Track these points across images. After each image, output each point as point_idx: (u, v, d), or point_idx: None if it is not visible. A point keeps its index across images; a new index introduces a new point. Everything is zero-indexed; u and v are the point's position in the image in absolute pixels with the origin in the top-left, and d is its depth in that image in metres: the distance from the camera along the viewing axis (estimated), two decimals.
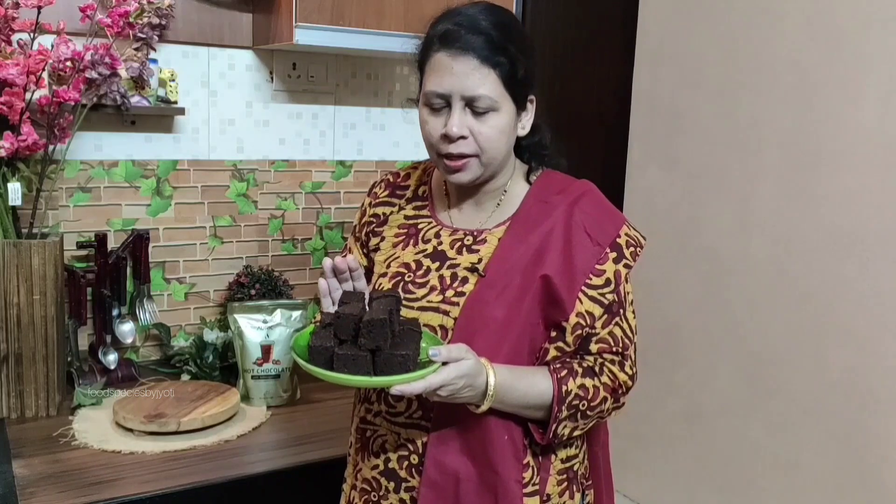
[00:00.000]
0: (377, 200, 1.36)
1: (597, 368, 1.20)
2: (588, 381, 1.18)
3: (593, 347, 1.21)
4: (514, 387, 1.14)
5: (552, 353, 1.19)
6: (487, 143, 1.18)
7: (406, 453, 1.20)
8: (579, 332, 1.19)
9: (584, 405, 1.18)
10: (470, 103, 1.16)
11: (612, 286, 1.20)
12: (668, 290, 2.56)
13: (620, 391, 1.22)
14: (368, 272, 1.34)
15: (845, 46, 2.05)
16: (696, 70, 2.47)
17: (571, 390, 1.17)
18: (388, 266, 1.27)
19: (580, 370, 1.19)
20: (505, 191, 1.27)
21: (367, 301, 1.15)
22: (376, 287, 1.26)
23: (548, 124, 1.29)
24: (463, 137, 1.16)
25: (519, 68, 1.18)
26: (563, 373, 1.17)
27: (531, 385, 1.16)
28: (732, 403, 2.38)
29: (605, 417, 1.24)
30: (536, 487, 1.20)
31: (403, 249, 1.28)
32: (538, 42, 3.05)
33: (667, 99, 2.58)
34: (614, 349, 1.22)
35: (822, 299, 2.12)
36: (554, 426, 1.17)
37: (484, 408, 1.13)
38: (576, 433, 1.21)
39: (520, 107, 1.21)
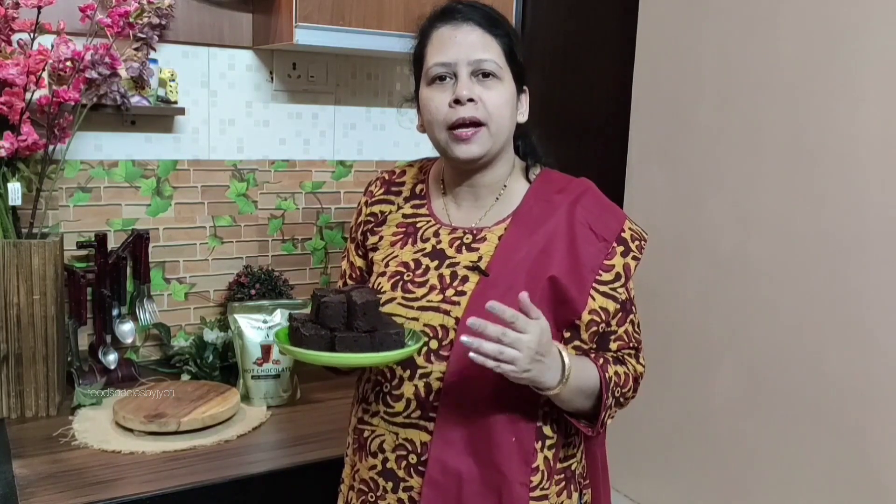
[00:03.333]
0: (373, 199, 1.35)
1: (621, 358, 1.23)
2: (619, 368, 1.21)
3: (612, 346, 1.23)
4: (578, 366, 1.13)
5: (570, 352, 1.19)
6: (495, 109, 1.18)
7: (404, 453, 1.20)
8: (594, 328, 1.19)
9: (618, 391, 1.20)
10: (476, 70, 1.18)
11: (623, 280, 1.21)
12: (668, 290, 2.56)
13: (638, 381, 1.25)
14: (366, 271, 1.34)
15: (845, 46, 2.05)
16: (696, 70, 2.47)
17: (611, 377, 1.18)
18: (387, 265, 1.27)
19: (610, 358, 1.21)
20: (505, 185, 1.27)
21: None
22: (375, 286, 1.25)
23: (534, 123, 1.31)
24: (472, 101, 1.17)
25: (516, 47, 1.22)
26: (601, 361, 1.19)
27: (586, 368, 1.16)
28: (732, 403, 2.38)
29: (625, 405, 1.26)
30: (545, 492, 1.19)
31: (402, 248, 1.27)
32: (538, 42, 3.06)
33: (667, 99, 2.58)
34: (629, 345, 1.24)
35: (822, 299, 2.12)
36: (604, 414, 1.18)
37: (558, 390, 1.09)
38: (608, 421, 1.22)
39: (518, 88, 1.24)
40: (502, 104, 1.19)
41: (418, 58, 1.25)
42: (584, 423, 1.20)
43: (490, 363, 1.02)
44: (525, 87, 1.26)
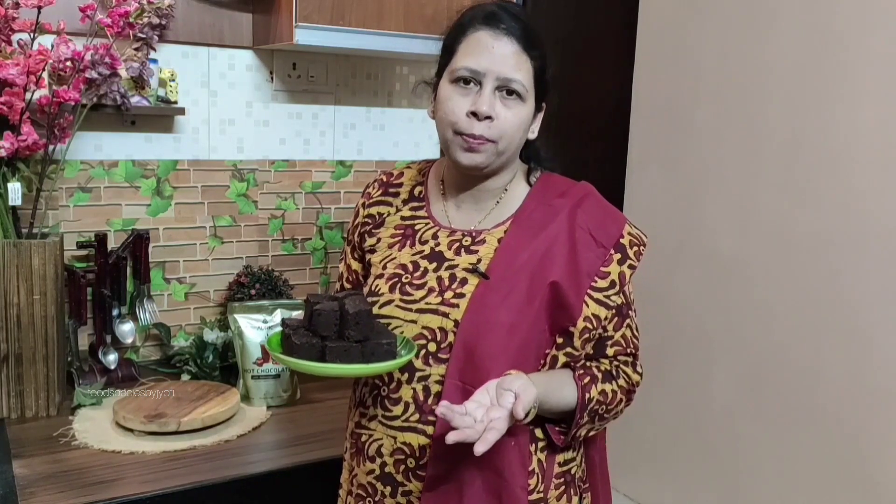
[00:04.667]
0: (371, 201, 1.35)
1: (614, 372, 1.22)
2: (608, 386, 1.20)
3: (609, 351, 1.22)
4: (548, 398, 1.14)
5: (562, 359, 1.19)
6: (510, 129, 1.17)
7: (402, 457, 1.19)
8: (587, 335, 1.19)
9: (602, 409, 1.20)
10: (502, 86, 1.16)
11: (618, 288, 1.21)
12: (668, 290, 2.56)
13: (633, 391, 1.25)
14: (362, 275, 1.34)
15: (845, 47, 2.05)
16: (696, 70, 2.47)
17: (593, 397, 1.18)
18: (385, 267, 1.26)
19: (600, 375, 1.20)
20: (505, 190, 1.26)
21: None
22: (373, 289, 1.25)
23: (543, 128, 1.30)
24: (489, 118, 1.16)
25: (548, 67, 1.21)
26: (587, 380, 1.18)
27: (562, 396, 1.17)
28: (732, 403, 2.38)
29: (616, 417, 1.25)
30: (541, 495, 1.19)
31: (400, 250, 1.27)
32: None
33: (667, 99, 2.58)
34: (627, 350, 1.24)
35: (822, 299, 2.12)
36: (574, 431, 1.19)
37: (527, 419, 1.10)
38: (590, 434, 1.23)
39: (537, 107, 1.23)
40: (518, 125, 1.18)
41: (448, 48, 1.22)
42: (561, 428, 1.20)
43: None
44: (543, 105, 1.25)
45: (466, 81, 1.17)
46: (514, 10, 1.20)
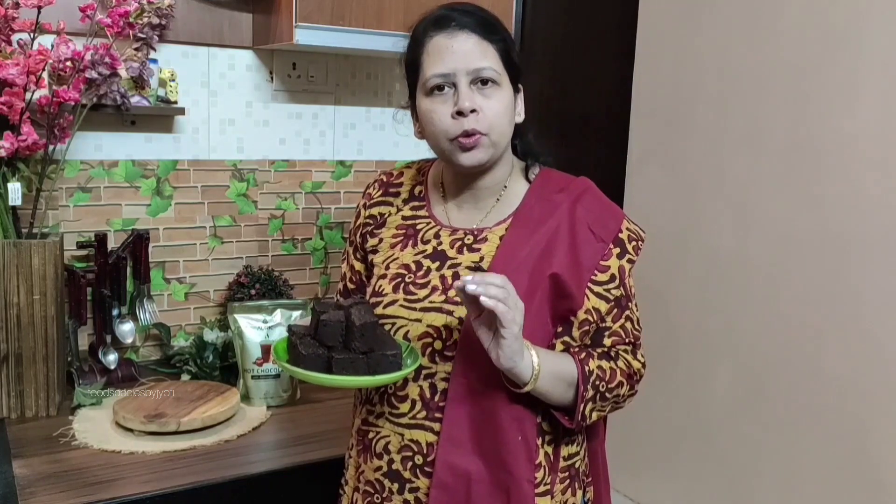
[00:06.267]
0: (372, 201, 1.36)
1: (611, 353, 1.23)
2: (605, 364, 1.20)
3: (606, 341, 1.23)
4: (549, 359, 1.14)
5: (559, 346, 1.20)
6: (496, 118, 1.18)
7: (410, 454, 1.20)
8: (586, 327, 1.20)
9: (603, 386, 1.19)
10: (475, 78, 1.18)
11: (617, 281, 1.22)
12: (668, 289, 2.56)
13: (635, 378, 1.25)
14: (365, 276, 1.35)
15: (844, 47, 2.05)
16: (696, 70, 2.47)
17: (593, 370, 1.18)
18: (388, 268, 1.27)
19: (596, 354, 1.21)
20: (505, 187, 1.27)
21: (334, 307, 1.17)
22: (376, 289, 1.26)
23: (531, 122, 1.30)
24: (474, 112, 1.17)
25: (512, 50, 1.22)
26: (583, 355, 1.19)
27: (563, 367, 1.17)
28: (731, 403, 2.39)
29: (620, 404, 1.25)
30: (548, 487, 1.20)
31: (402, 250, 1.27)
32: (538, 42, 3.06)
33: (667, 99, 2.58)
34: (626, 340, 1.24)
35: (822, 299, 2.12)
36: (582, 406, 1.17)
37: (532, 385, 1.11)
38: (594, 416, 1.21)
39: (514, 89, 1.24)
40: (502, 112, 1.19)
41: (412, 65, 1.24)
42: (566, 417, 1.20)
43: (498, 305, 1.04)
44: (520, 87, 1.26)
45: (440, 88, 1.19)
46: (462, 6, 1.22)
